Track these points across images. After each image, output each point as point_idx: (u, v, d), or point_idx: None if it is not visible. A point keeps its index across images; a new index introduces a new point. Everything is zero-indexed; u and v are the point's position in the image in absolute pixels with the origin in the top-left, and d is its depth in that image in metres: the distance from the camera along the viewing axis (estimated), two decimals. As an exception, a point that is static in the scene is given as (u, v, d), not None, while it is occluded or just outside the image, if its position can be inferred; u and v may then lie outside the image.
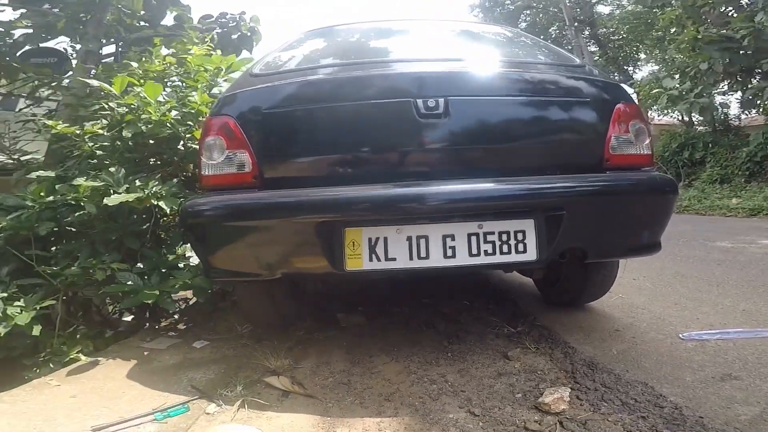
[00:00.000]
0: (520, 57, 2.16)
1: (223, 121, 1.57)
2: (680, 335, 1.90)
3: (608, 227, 1.65)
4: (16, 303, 1.71)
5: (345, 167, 1.58)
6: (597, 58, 17.60)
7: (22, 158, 2.87)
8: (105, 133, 2.15)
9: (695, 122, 11.48)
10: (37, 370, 1.76)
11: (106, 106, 2.21)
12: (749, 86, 8.52)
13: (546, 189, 1.49)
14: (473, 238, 1.45)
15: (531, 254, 1.48)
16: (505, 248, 1.46)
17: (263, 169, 1.54)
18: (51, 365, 1.77)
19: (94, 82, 2.27)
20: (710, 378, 1.51)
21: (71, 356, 1.77)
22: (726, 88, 9.70)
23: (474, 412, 1.40)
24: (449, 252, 1.44)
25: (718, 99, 10.18)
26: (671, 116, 13.05)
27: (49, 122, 2.14)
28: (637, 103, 1.73)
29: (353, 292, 2.78)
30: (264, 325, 2.10)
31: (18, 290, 1.77)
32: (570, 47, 16.13)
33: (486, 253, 1.45)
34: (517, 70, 1.74)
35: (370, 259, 1.44)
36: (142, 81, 2.38)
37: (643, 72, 18.07)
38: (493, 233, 1.45)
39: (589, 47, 17.45)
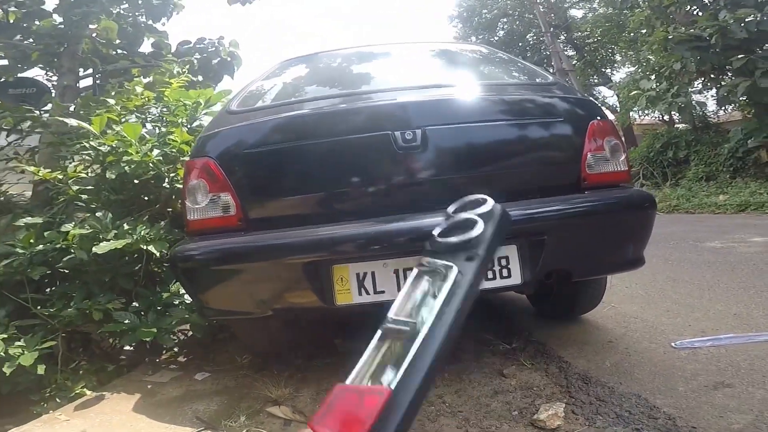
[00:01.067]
0: (495, 78, 2.22)
1: (203, 162, 1.61)
2: (672, 344, 1.95)
3: (590, 247, 1.69)
4: (17, 343, 1.76)
5: (328, 204, 1.62)
6: (575, 62, 17.99)
7: (6, 199, 2.86)
8: (88, 176, 2.19)
9: (676, 121, 11.72)
10: (44, 405, 1.80)
11: (87, 146, 2.24)
12: (722, 83, 8.77)
13: (526, 215, 1.52)
14: None
15: (516, 278, 1.52)
16: (490, 274, 1.50)
17: (247, 210, 1.58)
18: (57, 400, 1.80)
19: (73, 122, 2.29)
20: (703, 387, 1.55)
21: (76, 391, 1.82)
22: (701, 86, 9.97)
23: (472, 433, 1.40)
24: None
25: (695, 97, 10.46)
26: (652, 116, 13.28)
27: (31, 168, 2.17)
28: (609, 118, 1.80)
29: (349, 317, 2.82)
30: (262, 355, 2.15)
31: (17, 330, 1.82)
32: (548, 53, 16.45)
33: None
34: (491, 94, 1.77)
35: (360, 294, 1.49)
36: (121, 117, 2.40)
37: (620, 74, 18.47)
38: None
39: (566, 51, 17.80)
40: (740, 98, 8.20)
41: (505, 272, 1.51)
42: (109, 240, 1.83)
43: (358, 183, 1.62)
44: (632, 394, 1.56)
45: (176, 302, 2.06)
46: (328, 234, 1.48)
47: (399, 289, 1.44)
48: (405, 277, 1.46)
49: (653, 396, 1.53)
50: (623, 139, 1.82)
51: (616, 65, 18.97)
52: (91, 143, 2.22)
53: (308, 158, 1.61)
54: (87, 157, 2.34)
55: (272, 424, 1.57)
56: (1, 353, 1.70)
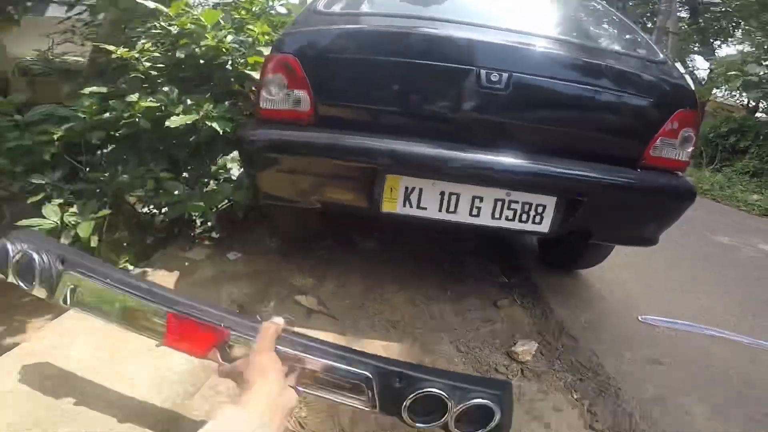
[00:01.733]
0: (599, 41, 2.18)
1: (286, 58, 1.67)
2: (639, 317, 2.28)
3: (620, 219, 1.88)
4: (71, 210, 1.80)
5: (398, 120, 1.72)
6: (683, 26, 15.54)
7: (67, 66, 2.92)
8: (159, 54, 2.31)
9: (760, 109, 10.84)
10: None
11: (158, 26, 2.34)
12: None
13: (576, 175, 1.65)
14: (499, 203, 1.68)
15: (544, 227, 1.72)
16: (524, 217, 1.70)
17: (319, 108, 1.68)
18: None
19: (151, 4, 2.36)
20: (643, 359, 1.90)
21: (120, 265, 1.90)
22: None
23: (460, 349, 1.75)
24: (475, 211, 1.69)
25: None
26: (737, 99, 12.25)
27: (110, 47, 2.25)
28: (697, 108, 1.84)
29: (369, 220, 3.07)
30: (291, 240, 2.37)
31: (72, 194, 1.92)
32: (656, 5, 14.18)
33: (506, 218, 1.70)
34: (590, 58, 1.77)
35: (404, 205, 1.68)
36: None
37: (729, 49, 15.91)
38: (517, 202, 1.68)
39: (680, 13, 15.24)
40: None
41: (537, 219, 1.71)
42: (177, 114, 1.96)
43: (431, 107, 1.71)
44: (590, 351, 1.89)
45: (221, 178, 2.22)
46: (392, 145, 1.61)
47: (440, 210, 1.71)
48: (449, 200, 1.68)
49: (605, 357, 1.86)
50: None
51: (730, 40, 16.41)
52: (163, 24, 2.32)
53: (390, 73, 1.69)
54: (154, 38, 2.44)
55: (298, 311, 1.81)
56: (57, 221, 1.73)
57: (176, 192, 1.99)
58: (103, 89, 2.11)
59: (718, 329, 2.25)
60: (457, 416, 0.83)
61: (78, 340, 1.39)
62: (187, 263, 2.02)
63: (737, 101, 12.54)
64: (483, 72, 1.61)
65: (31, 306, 1.87)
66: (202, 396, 1.31)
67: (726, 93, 12.12)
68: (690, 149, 1.79)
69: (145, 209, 2.30)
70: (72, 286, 1.02)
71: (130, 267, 1.93)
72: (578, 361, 1.80)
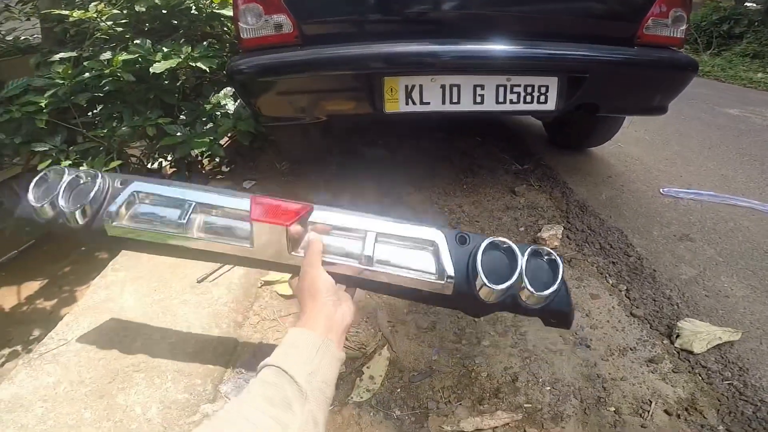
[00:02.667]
0: None
1: None
2: (661, 190, 2.30)
3: (624, 92, 1.96)
4: (82, 168, 1.86)
5: (382, 25, 1.76)
6: None
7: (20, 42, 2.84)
8: (116, 12, 2.25)
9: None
10: None
11: None
12: None
13: (574, 54, 1.73)
14: (501, 89, 1.73)
15: (550, 105, 1.78)
16: (528, 98, 1.76)
17: (303, 28, 1.72)
18: None
19: None
20: (672, 236, 1.91)
21: None
22: None
23: (486, 241, 1.81)
24: (478, 99, 1.74)
25: None
26: None
27: (64, 12, 2.18)
28: None
29: (374, 130, 3.09)
30: (300, 161, 2.44)
31: (78, 155, 1.96)
32: None
33: (511, 101, 1.76)
34: None
35: (406, 103, 1.74)
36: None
37: None
38: (519, 86, 1.74)
39: None
40: None
41: (542, 98, 1.77)
42: (159, 62, 1.96)
43: (417, 7, 1.74)
44: (616, 229, 1.92)
45: (218, 113, 2.23)
46: (384, 48, 1.66)
47: (443, 102, 1.75)
48: (450, 92, 1.72)
49: (632, 235, 1.90)
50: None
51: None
52: None
53: None
54: None
55: None
56: None
57: (178, 133, 2.03)
58: (73, 53, 2.10)
59: (745, 198, 2.24)
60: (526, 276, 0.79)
61: (125, 289, 1.45)
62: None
63: None
64: None
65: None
66: (251, 324, 1.39)
67: None
68: (683, 27, 1.88)
69: (151, 161, 2.36)
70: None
71: None
72: (607, 242, 1.84)
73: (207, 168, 2.44)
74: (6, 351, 1.80)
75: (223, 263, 0.91)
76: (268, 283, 1.55)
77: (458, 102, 1.73)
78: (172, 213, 0.90)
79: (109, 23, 2.24)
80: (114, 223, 0.90)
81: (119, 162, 1.93)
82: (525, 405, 1.13)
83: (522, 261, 0.79)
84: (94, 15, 2.14)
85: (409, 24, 1.75)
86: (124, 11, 2.28)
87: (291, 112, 1.90)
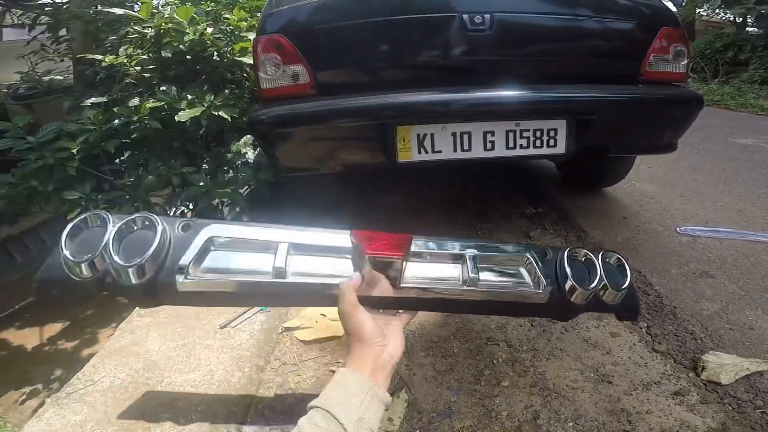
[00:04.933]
0: None
1: (273, 38, 1.77)
2: (677, 229, 2.33)
3: (633, 130, 2.00)
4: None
5: (395, 75, 1.83)
6: None
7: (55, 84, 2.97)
8: (145, 57, 2.37)
9: (748, 24, 11.03)
10: None
11: (132, 31, 2.39)
12: None
13: (579, 96, 1.79)
14: (510, 134, 1.79)
15: (560, 148, 1.83)
16: (538, 143, 1.81)
17: (319, 78, 1.79)
18: None
19: (119, 10, 2.41)
20: (691, 273, 1.93)
21: None
22: None
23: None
24: (489, 145, 1.79)
25: None
26: (722, 17, 12.53)
27: (97, 57, 2.29)
28: (681, 26, 1.97)
29: (389, 178, 3.18)
30: (319, 210, 2.47)
31: (106, 205, 1.97)
32: None
33: (521, 146, 1.81)
34: None
35: (419, 152, 1.79)
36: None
37: None
38: (528, 130, 1.79)
39: None
40: None
41: (552, 142, 1.81)
42: (183, 109, 2.03)
43: (425, 57, 1.81)
44: (634, 270, 1.94)
45: (239, 162, 2.30)
46: (395, 99, 1.72)
47: (455, 150, 1.83)
48: (461, 139, 1.77)
49: (651, 274, 1.92)
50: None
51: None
52: (136, 28, 2.37)
53: (377, 33, 1.79)
54: (133, 43, 2.50)
55: None
56: None
57: (201, 183, 2.08)
58: (103, 98, 2.18)
59: (763, 233, 2.27)
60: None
61: (150, 334, 1.54)
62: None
63: (722, 18, 12.83)
64: (466, 16, 1.72)
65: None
66: (272, 369, 1.44)
67: (710, 11, 12.39)
68: (684, 62, 1.95)
69: (173, 209, 2.41)
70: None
71: None
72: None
73: (227, 217, 2.48)
74: (27, 389, 1.86)
75: (322, 305, 0.85)
76: (288, 329, 1.60)
77: (469, 149, 1.78)
78: (258, 257, 0.83)
79: (138, 68, 2.34)
80: (188, 278, 0.78)
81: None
82: None
83: (599, 263, 0.87)
84: (125, 60, 2.25)
85: (420, 73, 1.83)
86: (151, 55, 2.39)
87: (307, 164, 1.96)
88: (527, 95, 1.73)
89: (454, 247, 0.90)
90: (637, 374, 1.35)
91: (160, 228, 0.79)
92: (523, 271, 0.91)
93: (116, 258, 0.74)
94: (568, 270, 0.85)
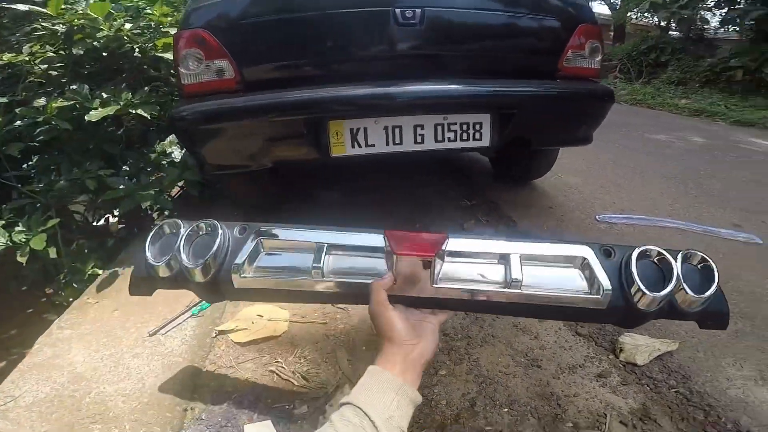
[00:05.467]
0: None
1: (196, 33, 1.72)
2: (597, 217, 2.50)
3: (551, 124, 2.11)
4: (18, 228, 1.77)
5: (326, 69, 1.83)
6: None
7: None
8: (52, 54, 2.21)
9: (672, 28, 12.17)
10: (62, 293, 1.88)
11: (40, 27, 2.21)
12: (737, 5, 9.16)
13: (502, 91, 1.85)
14: (439, 128, 1.83)
15: (485, 141, 1.89)
16: (464, 136, 1.86)
17: (245, 73, 1.76)
18: (75, 285, 1.88)
19: (23, 6, 2.21)
20: None
21: (89, 272, 1.90)
22: (713, 4, 10.19)
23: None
24: (419, 139, 1.83)
25: (704, 14, 10.78)
26: (649, 21, 13.44)
27: None
28: (598, 24, 2.05)
29: (329, 172, 3.18)
30: (254, 207, 2.44)
31: (13, 214, 1.86)
32: None
33: (449, 139, 1.85)
34: None
35: (353, 146, 1.79)
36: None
37: None
38: (455, 124, 1.84)
39: None
40: (747, 23, 8.62)
41: (477, 135, 1.87)
42: (96, 108, 1.91)
43: (357, 52, 1.82)
44: None
45: (164, 162, 2.20)
46: (327, 93, 1.71)
47: (387, 143, 1.85)
48: (393, 133, 1.79)
49: None
50: (612, 36, 2.04)
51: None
52: (44, 24, 2.20)
53: (308, 28, 1.77)
54: (40, 41, 2.30)
55: None
56: (7, 242, 1.72)
57: (121, 186, 1.96)
58: (4, 99, 2.01)
59: (671, 219, 2.48)
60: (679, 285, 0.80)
61: (73, 346, 1.45)
62: (157, 255, 2.02)
63: (650, 22, 13.70)
64: (398, 11, 1.73)
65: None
66: (208, 373, 1.39)
67: (639, 15, 13.22)
68: (598, 58, 2.04)
69: (96, 217, 2.29)
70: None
71: (99, 272, 1.93)
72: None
73: (157, 222, 2.39)
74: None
75: (357, 303, 0.89)
76: (222, 332, 1.56)
77: (401, 143, 1.81)
78: (301, 257, 0.91)
79: (44, 67, 2.18)
80: (243, 276, 0.90)
81: (58, 220, 1.85)
82: (486, 428, 1.19)
83: (677, 266, 0.80)
84: (27, 58, 2.08)
85: (351, 67, 1.83)
86: (60, 52, 2.23)
87: (236, 161, 1.91)
88: (453, 89, 1.78)
89: (498, 246, 0.87)
90: (563, 358, 1.43)
91: (220, 232, 0.92)
92: (577, 272, 0.86)
93: (185, 259, 0.89)
94: (635, 272, 0.80)
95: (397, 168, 3.26)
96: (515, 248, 0.86)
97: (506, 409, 1.23)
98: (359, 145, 1.79)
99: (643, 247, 0.84)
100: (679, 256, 0.82)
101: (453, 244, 0.85)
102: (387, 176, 3.12)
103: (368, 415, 0.64)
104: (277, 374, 1.35)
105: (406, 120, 1.79)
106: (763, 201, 2.78)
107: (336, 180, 3.02)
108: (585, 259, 0.86)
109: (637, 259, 0.82)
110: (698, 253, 0.83)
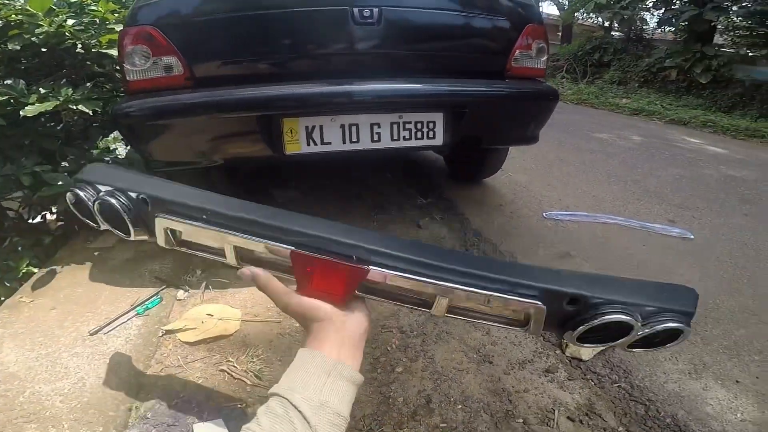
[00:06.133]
0: None
1: (143, 30, 1.68)
2: (544, 214, 2.60)
3: (500, 123, 2.16)
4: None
5: (280, 66, 1.80)
6: None
7: None
8: None
9: (614, 29, 12.62)
10: None
11: None
12: (672, 6, 9.60)
13: (454, 91, 1.88)
14: (395, 126, 1.84)
15: (438, 140, 1.92)
16: (419, 134, 1.89)
17: (195, 70, 1.73)
18: (7, 284, 1.82)
19: None
20: (555, 254, 2.17)
21: (23, 271, 1.84)
22: (652, 5, 10.69)
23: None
24: (375, 137, 1.83)
25: (643, 13, 11.28)
26: (594, 21, 13.93)
27: None
28: (544, 24, 2.10)
29: (285, 170, 3.15)
30: None
31: None
32: None
33: (404, 138, 1.87)
34: None
35: (308, 144, 1.78)
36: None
37: None
38: (410, 122, 1.86)
39: None
40: (681, 23, 9.05)
41: (431, 134, 1.90)
42: (32, 104, 1.81)
43: (311, 50, 1.80)
44: (508, 253, 2.14)
45: (107, 159, 2.13)
46: (280, 90, 1.69)
47: (344, 142, 1.86)
48: (350, 131, 1.79)
49: (521, 257, 2.12)
50: (560, 36, 2.08)
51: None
52: None
53: (261, 26, 1.74)
54: None
55: (227, 273, 1.82)
56: None
57: (60, 183, 1.85)
58: None
59: (612, 216, 2.61)
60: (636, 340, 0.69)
61: (5, 345, 1.36)
62: (96, 252, 1.95)
63: (594, 23, 14.22)
64: (356, 10, 1.73)
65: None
66: (154, 373, 1.35)
67: (585, 16, 13.79)
68: (544, 58, 2.09)
69: (32, 214, 2.16)
70: (169, 228, 0.83)
71: (35, 270, 1.85)
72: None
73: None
74: None
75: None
76: (170, 332, 1.51)
77: (358, 141, 1.81)
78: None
79: None
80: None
81: None
82: (441, 425, 1.21)
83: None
84: None
85: (305, 66, 1.81)
86: None
87: (186, 157, 1.86)
88: (408, 88, 1.80)
89: (428, 287, 0.68)
90: (513, 353, 1.47)
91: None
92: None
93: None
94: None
95: (355, 165, 3.26)
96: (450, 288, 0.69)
97: (460, 406, 1.25)
98: (315, 143, 1.77)
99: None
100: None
101: (375, 275, 0.69)
102: (344, 174, 3.12)
103: (295, 404, 0.57)
104: (228, 373, 1.32)
105: (363, 118, 1.79)
106: (694, 197, 2.96)
107: (292, 177, 2.98)
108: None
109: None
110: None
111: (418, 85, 1.82)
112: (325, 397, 0.59)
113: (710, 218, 2.63)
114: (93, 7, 2.26)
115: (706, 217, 2.64)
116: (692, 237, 2.35)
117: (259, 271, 0.73)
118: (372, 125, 1.80)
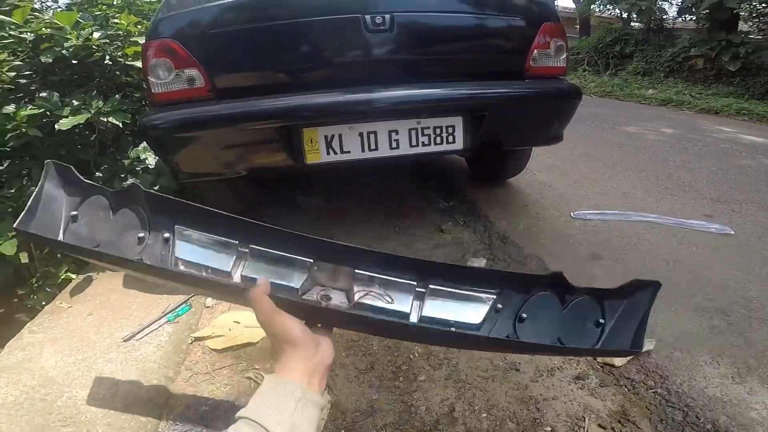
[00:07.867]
0: None
1: (164, 43, 1.71)
2: (572, 214, 2.51)
3: (522, 124, 2.11)
4: None
5: (298, 76, 1.82)
6: None
7: None
8: (20, 62, 2.17)
9: (633, 20, 12.31)
10: (35, 297, 1.88)
11: (7, 35, 2.16)
12: None
13: (472, 94, 1.86)
14: (413, 132, 1.83)
15: (459, 144, 1.90)
16: (438, 140, 1.86)
17: (216, 82, 1.75)
18: (47, 289, 1.88)
19: None
20: (584, 256, 2.08)
21: (62, 277, 1.89)
22: None
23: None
24: (394, 144, 1.82)
25: (662, 4, 11.21)
26: (612, 13, 13.52)
27: None
28: (560, 21, 2.06)
29: (310, 177, 3.15)
30: (232, 213, 2.38)
31: None
32: None
33: (423, 143, 1.85)
34: None
35: (328, 153, 1.79)
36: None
37: None
38: (429, 128, 1.84)
39: None
40: (702, 12, 8.75)
41: (451, 138, 1.87)
42: (66, 116, 1.89)
43: (327, 59, 1.81)
44: (535, 256, 2.06)
45: (138, 168, 2.18)
46: (298, 101, 1.71)
47: (363, 150, 1.87)
48: (368, 139, 1.78)
49: (549, 259, 2.04)
50: (579, 29, 2.03)
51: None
52: (12, 33, 2.16)
53: (278, 37, 1.75)
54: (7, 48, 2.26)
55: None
56: None
57: None
58: None
59: (644, 213, 2.50)
60: None
61: (45, 350, 1.42)
62: (131, 259, 1.98)
63: (612, 14, 13.83)
64: (367, 17, 1.73)
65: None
66: (183, 379, 1.37)
67: (603, 9, 13.38)
68: (563, 56, 2.06)
69: None
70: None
71: (73, 276, 1.90)
72: (528, 269, 1.96)
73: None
74: None
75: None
76: (198, 339, 1.53)
77: (377, 148, 1.80)
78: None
79: (12, 74, 2.13)
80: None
81: None
82: None
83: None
84: None
85: (323, 74, 1.81)
86: (27, 60, 2.19)
87: (210, 168, 1.89)
88: (425, 93, 1.78)
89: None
90: (541, 360, 1.42)
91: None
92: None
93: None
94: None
95: (376, 171, 3.24)
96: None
97: (485, 414, 1.22)
98: (334, 152, 1.78)
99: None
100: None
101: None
102: (366, 179, 3.11)
103: (267, 428, 0.59)
104: (254, 381, 1.34)
105: (381, 125, 1.78)
106: (732, 190, 2.84)
107: (314, 184, 2.98)
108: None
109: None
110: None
111: (434, 90, 1.81)
112: (295, 420, 0.61)
113: (751, 212, 2.51)
114: (116, 20, 2.33)
115: (747, 211, 2.52)
116: (732, 232, 2.25)
117: (264, 281, 0.75)
118: (390, 132, 1.79)
